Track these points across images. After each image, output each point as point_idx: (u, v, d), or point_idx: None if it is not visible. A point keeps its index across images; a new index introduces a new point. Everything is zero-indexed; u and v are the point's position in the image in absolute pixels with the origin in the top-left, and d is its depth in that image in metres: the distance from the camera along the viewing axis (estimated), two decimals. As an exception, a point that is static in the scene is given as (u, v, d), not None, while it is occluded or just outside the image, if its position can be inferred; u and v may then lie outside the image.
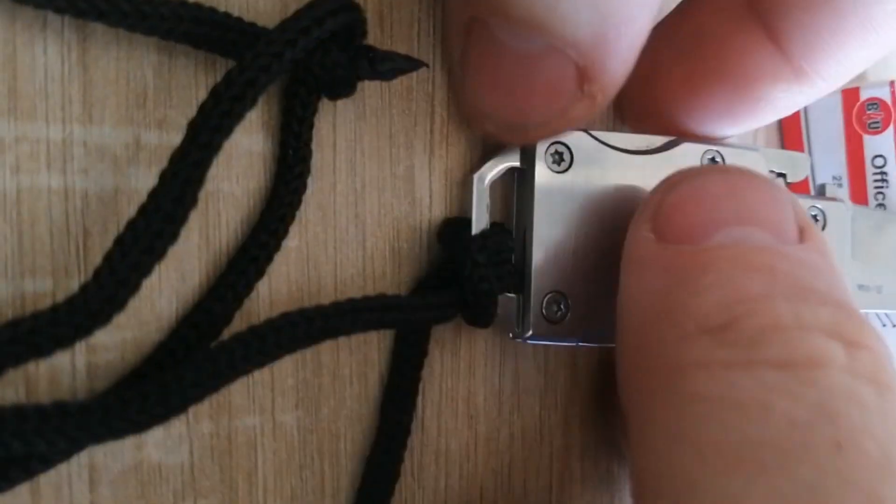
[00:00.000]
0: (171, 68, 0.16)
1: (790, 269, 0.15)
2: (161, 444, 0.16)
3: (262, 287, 0.17)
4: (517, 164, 0.19)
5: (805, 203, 0.20)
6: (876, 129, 0.22)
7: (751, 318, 0.15)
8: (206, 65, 0.16)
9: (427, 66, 0.18)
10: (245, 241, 0.17)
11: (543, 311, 0.18)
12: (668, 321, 0.15)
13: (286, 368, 0.17)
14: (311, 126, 0.17)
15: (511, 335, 0.19)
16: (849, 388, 0.14)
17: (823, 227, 0.21)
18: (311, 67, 0.16)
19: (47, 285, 0.15)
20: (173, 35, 0.15)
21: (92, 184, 0.15)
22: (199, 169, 0.14)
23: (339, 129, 0.18)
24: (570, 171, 0.19)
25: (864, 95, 0.22)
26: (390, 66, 0.17)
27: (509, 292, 0.19)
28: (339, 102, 0.18)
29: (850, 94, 0.23)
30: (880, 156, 0.22)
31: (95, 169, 0.15)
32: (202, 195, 0.15)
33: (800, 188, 0.22)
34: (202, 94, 0.16)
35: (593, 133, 0.19)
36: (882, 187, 0.24)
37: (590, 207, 0.19)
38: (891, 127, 0.22)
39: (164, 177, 0.14)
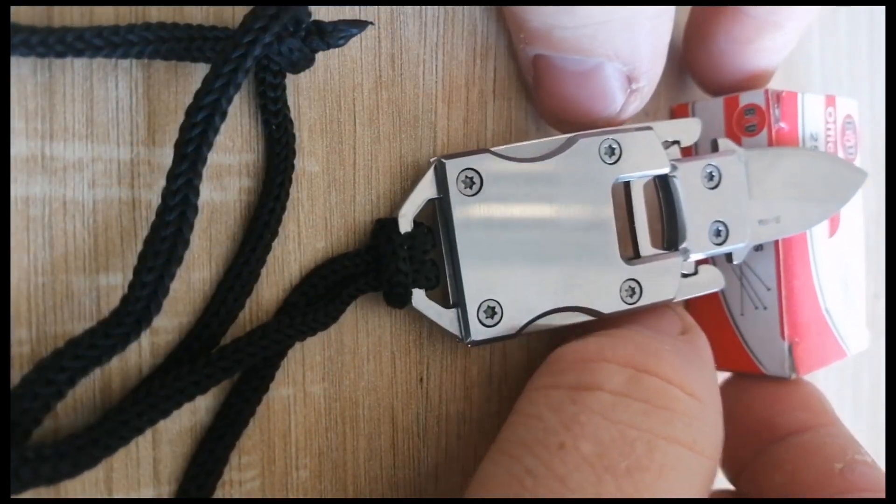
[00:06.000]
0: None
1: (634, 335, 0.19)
2: (212, 410, 0.18)
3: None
4: (434, 195, 0.19)
5: (701, 162, 0.21)
6: (752, 131, 0.23)
7: (572, 352, 0.18)
8: (250, 97, 0.18)
9: (372, 23, 0.19)
10: (249, 224, 0.18)
11: (479, 318, 0.19)
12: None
13: (314, 347, 0.19)
14: (285, 101, 0.18)
15: (459, 341, 0.20)
16: (604, 405, 0.16)
17: (720, 182, 0.21)
18: (271, 56, 0.17)
19: (118, 280, 0.17)
20: (145, 54, 0.16)
21: (154, 196, 0.17)
22: (196, 169, 0.15)
23: (357, 151, 0.19)
24: (483, 191, 0.19)
25: (743, 102, 0.23)
26: (341, 35, 0.17)
27: (427, 287, 0.19)
28: (358, 127, 0.19)
29: (730, 101, 0.23)
30: None
31: (158, 184, 0.17)
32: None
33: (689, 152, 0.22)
34: (246, 122, 0.18)
35: (496, 150, 0.19)
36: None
37: (507, 219, 0.19)
38: (765, 130, 0.23)
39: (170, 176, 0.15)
